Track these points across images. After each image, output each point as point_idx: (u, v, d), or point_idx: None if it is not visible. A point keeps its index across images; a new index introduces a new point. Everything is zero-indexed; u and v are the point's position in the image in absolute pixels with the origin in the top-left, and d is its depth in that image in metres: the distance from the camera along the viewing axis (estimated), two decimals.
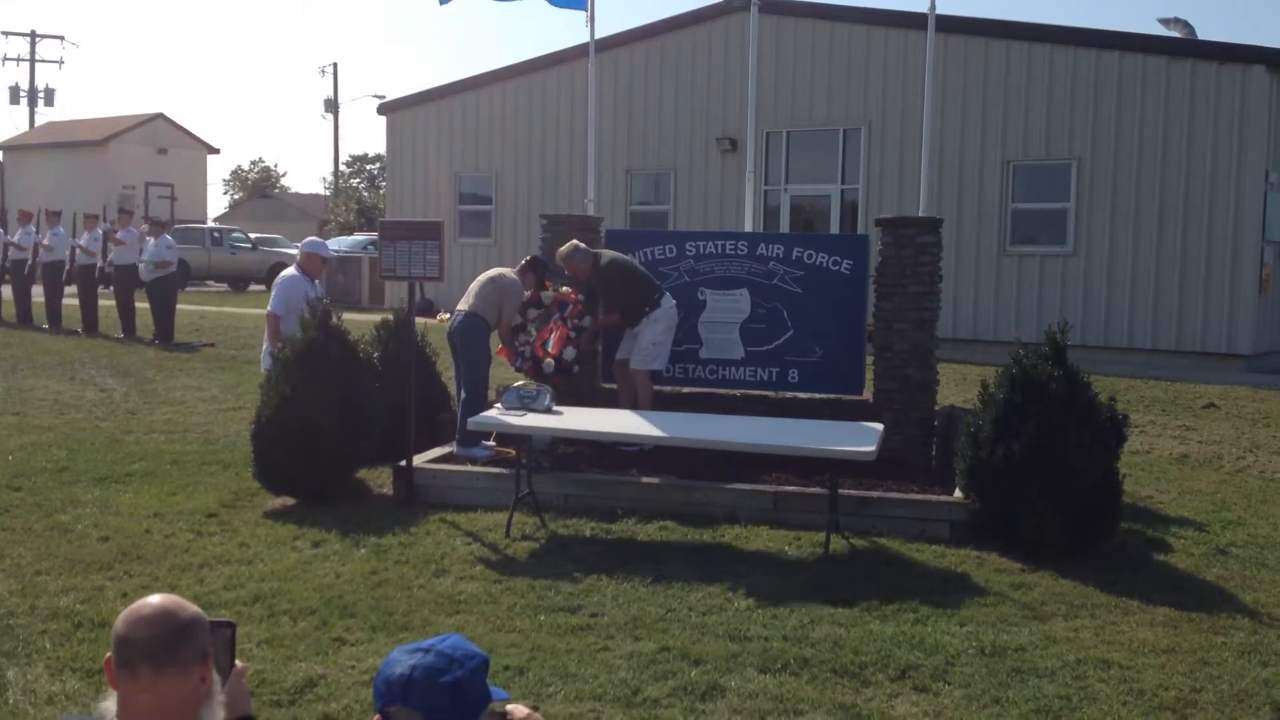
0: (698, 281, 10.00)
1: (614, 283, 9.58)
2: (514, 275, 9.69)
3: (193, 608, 2.21)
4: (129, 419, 11.63)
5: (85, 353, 16.48)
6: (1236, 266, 17.80)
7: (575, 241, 9.77)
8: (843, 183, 21.03)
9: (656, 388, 9.88)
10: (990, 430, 7.40)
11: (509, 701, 2.25)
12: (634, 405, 9.49)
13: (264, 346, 9.51)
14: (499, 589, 6.48)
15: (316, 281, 9.47)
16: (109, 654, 2.17)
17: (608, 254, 9.78)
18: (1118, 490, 7.40)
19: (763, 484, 8.33)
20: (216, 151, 53.31)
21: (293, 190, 72.71)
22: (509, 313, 9.55)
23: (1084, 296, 18.68)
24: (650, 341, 9.61)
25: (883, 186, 20.32)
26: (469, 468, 8.80)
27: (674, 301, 9.71)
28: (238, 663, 2.39)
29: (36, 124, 58.22)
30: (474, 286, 9.62)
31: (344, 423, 8.35)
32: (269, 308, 9.42)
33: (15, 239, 20.52)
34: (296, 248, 37.30)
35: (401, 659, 2.13)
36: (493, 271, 9.83)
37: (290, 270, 9.54)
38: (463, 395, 9.32)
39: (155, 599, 2.20)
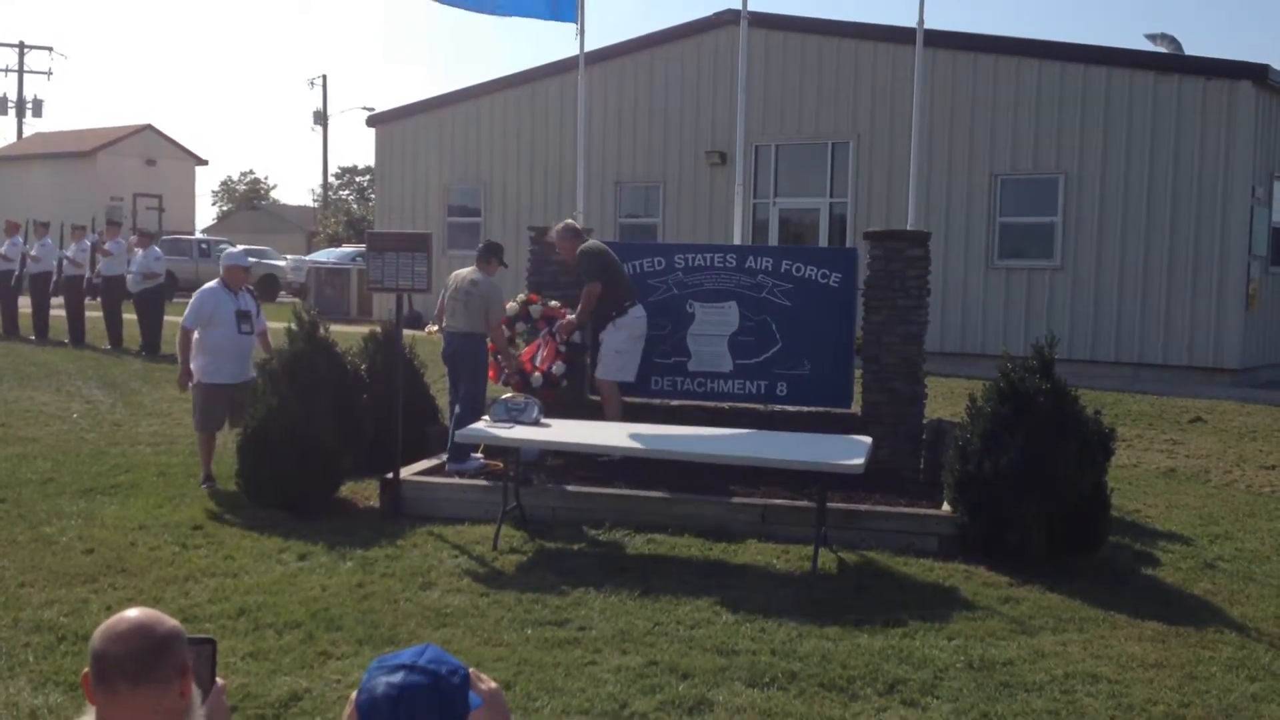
0: (686, 294, 9.99)
1: (597, 261, 9.51)
2: (482, 274, 9.39)
3: (170, 622, 2.18)
4: (115, 431, 11.57)
5: (72, 364, 16.41)
6: (1223, 281, 17.85)
7: (569, 221, 9.77)
8: (831, 196, 21.05)
9: (644, 400, 9.85)
10: (978, 444, 7.40)
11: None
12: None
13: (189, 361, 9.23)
14: (486, 602, 6.46)
15: (241, 293, 9.36)
16: (85, 669, 2.14)
17: (596, 243, 9.80)
18: (1105, 504, 7.41)
19: (751, 497, 8.32)
20: (205, 163, 53.29)
21: (282, 202, 72.62)
22: (496, 313, 9.41)
23: (1071, 310, 18.72)
24: (613, 350, 9.50)
25: (871, 200, 20.34)
26: (456, 480, 8.77)
27: (643, 314, 9.60)
28: (218, 679, 2.37)
29: (25, 135, 58.11)
30: (455, 303, 9.31)
31: (331, 435, 8.33)
32: (181, 321, 9.30)
33: (3, 250, 20.40)
34: (285, 260, 37.59)
35: (385, 676, 2.10)
36: (463, 281, 9.37)
37: (211, 283, 9.45)
38: (456, 411, 9.23)
39: (132, 613, 2.17)
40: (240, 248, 9.69)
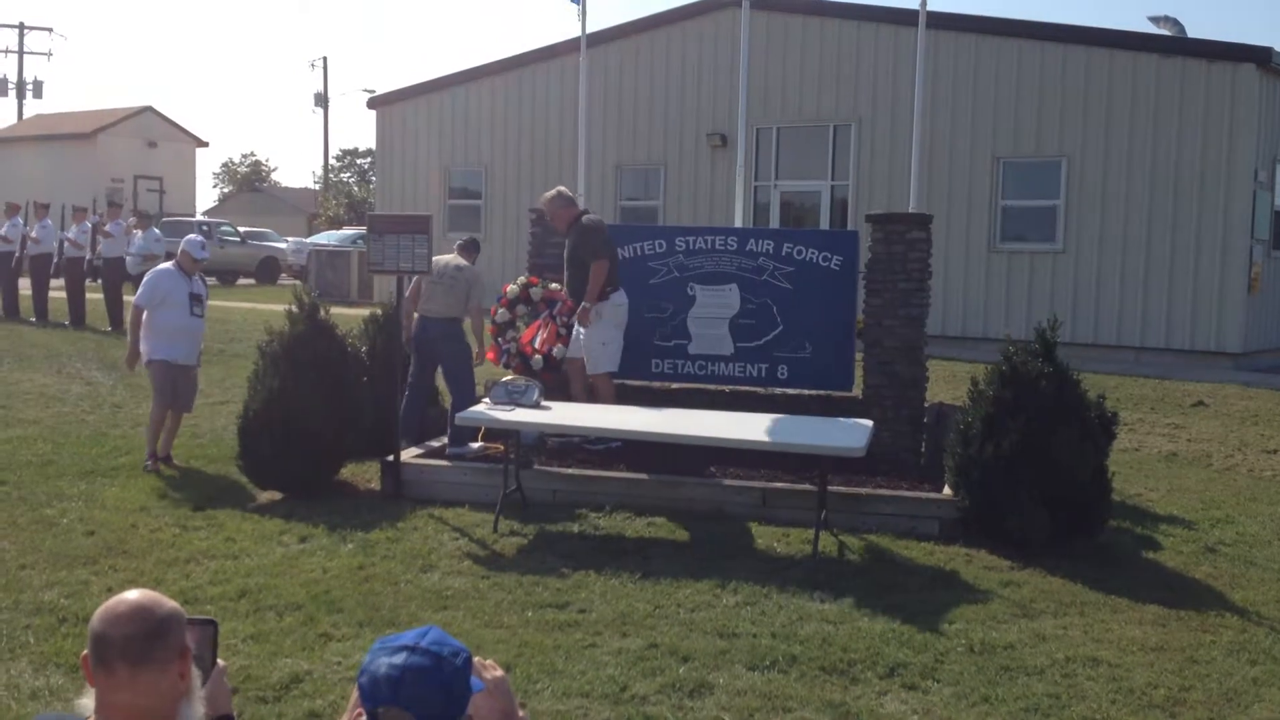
0: (687, 277, 9.96)
1: (601, 234, 9.29)
2: (466, 261, 9.43)
3: (170, 603, 2.18)
4: (116, 413, 11.56)
5: (72, 346, 16.39)
6: (1225, 265, 17.82)
7: (561, 188, 9.69)
8: (833, 179, 21.01)
9: (645, 383, 9.80)
10: (980, 427, 7.38)
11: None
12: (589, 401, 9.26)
13: (140, 340, 9.30)
14: (486, 585, 6.46)
15: (195, 278, 9.46)
16: (85, 651, 2.14)
17: (596, 217, 9.68)
18: (1107, 488, 7.41)
19: (751, 480, 8.31)
20: (206, 145, 53.11)
21: (283, 184, 72.51)
22: (478, 295, 9.33)
23: (1073, 294, 18.69)
24: (598, 341, 9.21)
25: (873, 183, 20.30)
26: (457, 463, 8.76)
27: (625, 300, 9.37)
28: (219, 661, 2.37)
29: (25, 116, 57.97)
30: (435, 287, 9.19)
31: (332, 417, 8.31)
32: (134, 300, 9.49)
33: (3, 231, 20.34)
34: (286, 242, 37.55)
35: (387, 657, 2.09)
36: (446, 266, 9.27)
37: (166, 264, 9.62)
38: (405, 396, 9.18)
39: (132, 595, 2.16)
40: (199, 238, 9.72)
